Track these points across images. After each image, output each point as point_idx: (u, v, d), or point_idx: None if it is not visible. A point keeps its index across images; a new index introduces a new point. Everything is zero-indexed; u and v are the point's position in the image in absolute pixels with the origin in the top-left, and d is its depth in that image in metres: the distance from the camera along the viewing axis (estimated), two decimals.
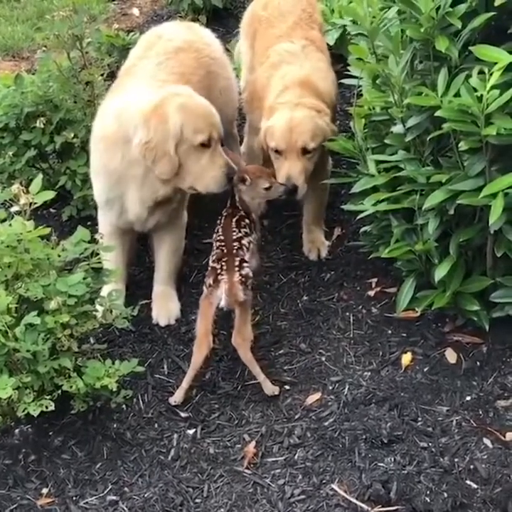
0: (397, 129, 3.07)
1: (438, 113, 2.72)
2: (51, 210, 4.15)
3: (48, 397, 2.74)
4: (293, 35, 3.82)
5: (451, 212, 2.93)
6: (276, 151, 3.51)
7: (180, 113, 3.19)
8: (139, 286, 3.69)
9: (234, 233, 3.26)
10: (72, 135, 3.83)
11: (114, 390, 2.86)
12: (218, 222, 3.37)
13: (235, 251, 3.19)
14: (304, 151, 3.47)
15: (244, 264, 3.17)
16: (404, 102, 2.90)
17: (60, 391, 2.81)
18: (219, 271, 3.14)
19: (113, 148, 3.27)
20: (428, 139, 2.92)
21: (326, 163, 3.75)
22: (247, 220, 3.35)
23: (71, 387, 2.78)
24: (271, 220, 3.96)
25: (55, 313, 2.78)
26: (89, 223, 3.88)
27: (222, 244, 3.24)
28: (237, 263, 3.15)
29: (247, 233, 3.32)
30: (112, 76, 4.19)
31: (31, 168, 3.99)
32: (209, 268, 3.22)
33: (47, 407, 2.70)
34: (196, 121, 3.21)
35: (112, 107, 3.36)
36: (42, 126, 3.83)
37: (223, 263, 3.16)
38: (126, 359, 3.21)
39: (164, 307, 3.52)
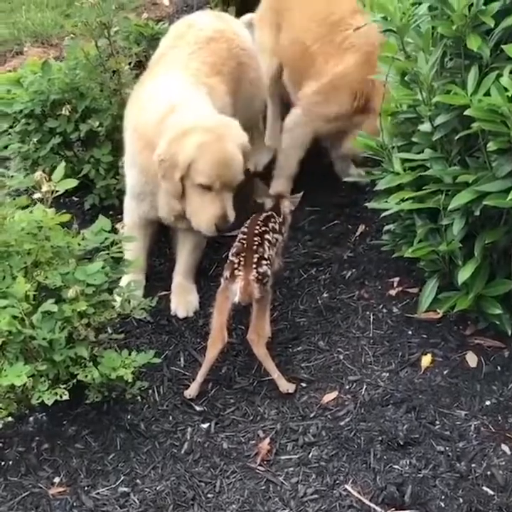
0: (425, 127, 3.01)
1: (467, 112, 2.67)
2: (74, 198, 4.14)
3: (62, 386, 2.73)
4: None
5: (477, 213, 2.87)
6: None
7: (195, 151, 3.18)
8: (158, 277, 3.68)
9: (257, 228, 3.23)
10: (97, 124, 3.82)
11: (130, 381, 2.84)
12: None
13: (255, 247, 3.16)
14: None
15: (263, 262, 3.13)
16: (432, 100, 2.85)
17: (75, 380, 2.80)
18: (236, 265, 3.11)
19: (152, 149, 3.26)
20: (456, 138, 2.86)
21: None
22: (278, 218, 3.34)
23: (86, 376, 2.76)
24: (293, 215, 3.92)
25: (72, 301, 2.77)
26: (111, 213, 3.88)
27: (244, 237, 3.22)
28: (255, 260, 3.11)
29: (275, 230, 3.29)
30: (139, 66, 4.18)
31: (56, 155, 3.98)
32: (228, 261, 3.20)
33: (61, 397, 2.69)
34: (205, 165, 3.20)
35: (157, 104, 3.33)
36: (67, 113, 3.81)
37: (241, 258, 3.13)
38: (143, 350, 3.20)
39: (183, 299, 3.51)
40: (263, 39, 4.20)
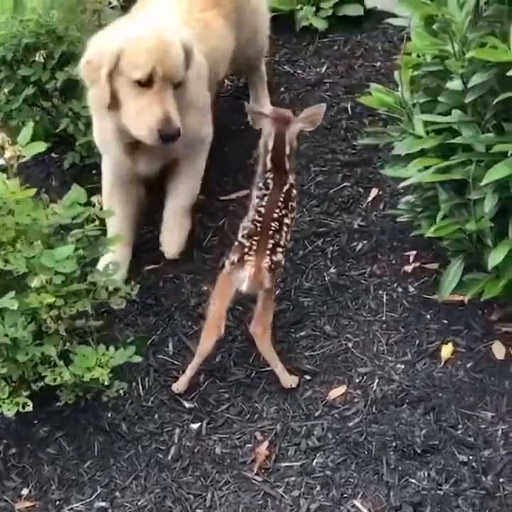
0: (454, 85, 2.55)
1: (510, 73, 2.22)
2: (53, 155, 3.70)
3: (25, 394, 2.35)
4: None
5: None
6: None
7: (124, 41, 2.76)
8: (146, 248, 3.27)
9: (277, 211, 2.77)
10: (76, 72, 3.36)
11: (106, 383, 2.47)
12: (261, 184, 2.84)
13: (271, 232, 2.72)
14: None
15: (279, 249, 2.71)
16: (466, 55, 2.39)
17: (43, 383, 2.43)
18: (247, 250, 2.69)
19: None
20: (494, 102, 2.41)
21: None
22: (294, 191, 2.88)
23: (55, 379, 2.39)
24: (297, 176, 3.48)
25: (39, 291, 2.38)
26: (94, 172, 3.47)
27: (260, 219, 2.75)
28: (270, 246, 2.69)
29: (293, 208, 2.85)
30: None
31: (31, 107, 3.53)
32: (236, 243, 2.75)
33: (23, 407, 2.32)
34: (136, 54, 2.75)
35: None
36: (42, 60, 3.36)
37: (254, 242, 2.70)
38: (127, 334, 2.85)
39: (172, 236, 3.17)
40: None
